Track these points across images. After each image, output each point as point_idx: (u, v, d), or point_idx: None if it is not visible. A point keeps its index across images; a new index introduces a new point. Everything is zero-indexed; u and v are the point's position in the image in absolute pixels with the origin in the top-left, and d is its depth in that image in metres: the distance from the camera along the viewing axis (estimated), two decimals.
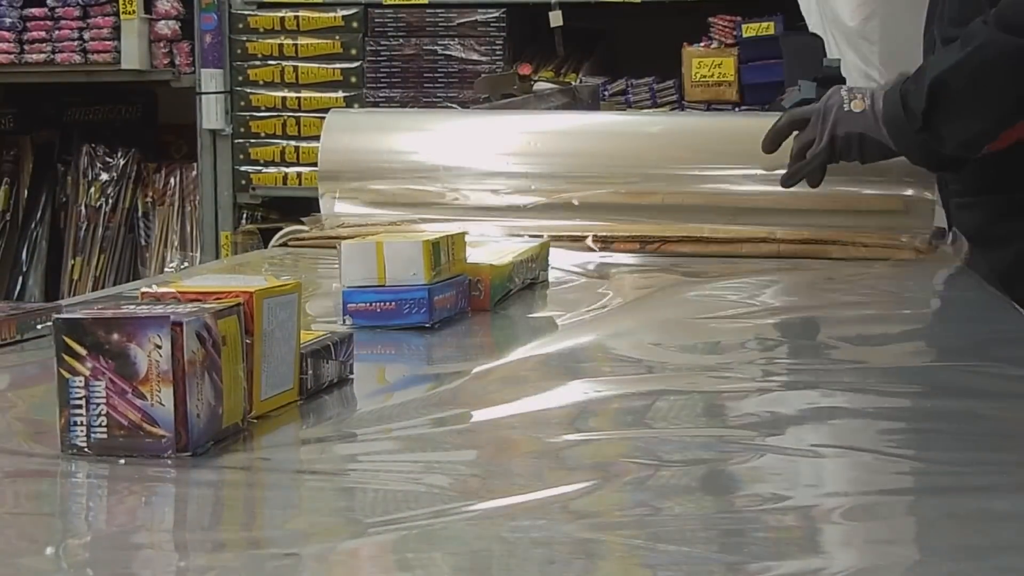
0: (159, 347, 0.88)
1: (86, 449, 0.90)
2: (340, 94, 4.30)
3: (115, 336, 0.89)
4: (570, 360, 1.28)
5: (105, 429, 0.89)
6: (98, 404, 0.89)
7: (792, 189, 2.07)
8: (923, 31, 2.11)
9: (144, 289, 1.02)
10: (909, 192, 2.09)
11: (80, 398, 0.89)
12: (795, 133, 1.98)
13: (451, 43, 4.23)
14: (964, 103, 1.84)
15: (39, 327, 1.32)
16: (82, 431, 0.89)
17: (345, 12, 4.30)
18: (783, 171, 2.07)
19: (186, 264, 4.48)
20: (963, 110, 1.84)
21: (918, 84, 1.86)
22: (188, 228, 4.55)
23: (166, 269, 4.45)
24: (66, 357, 0.89)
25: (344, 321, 1.39)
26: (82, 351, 0.89)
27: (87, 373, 0.89)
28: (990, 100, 1.84)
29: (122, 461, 0.89)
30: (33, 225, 4.72)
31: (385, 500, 0.85)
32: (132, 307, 0.93)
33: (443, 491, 0.88)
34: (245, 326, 0.97)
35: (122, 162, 4.63)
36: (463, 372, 1.24)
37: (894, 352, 1.39)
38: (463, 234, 1.50)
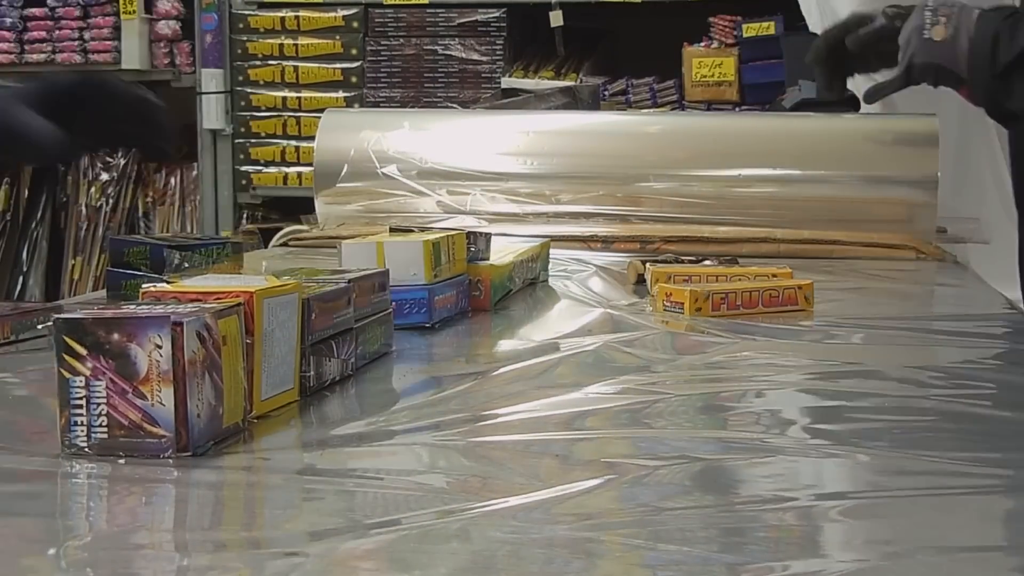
0: (159, 347, 0.88)
1: (86, 449, 0.90)
2: (340, 94, 4.30)
3: (115, 336, 0.89)
4: (570, 360, 1.28)
5: (105, 429, 0.89)
6: (98, 404, 0.89)
7: (792, 192, 2.07)
8: None
9: (145, 288, 1.02)
10: (911, 198, 2.09)
11: (80, 398, 0.89)
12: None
13: (451, 43, 4.23)
14: None
15: (38, 327, 1.32)
16: (82, 431, 0.89)
17: (345, 12, 4.30)
18: (787, 171, 2.08)
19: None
20: None
21: (1014, 36, 1.85)
22: (188, 228, 4.56)
23: None
24: (66, 357, 0.89)
25: None
26: (82, 351, 0.89)
27: (87, 373, 0.89)
28: None
29: (122, 461, 0.89)
30: (33, 225, 4.72)
31: (385, 500, 0.85)
32: (132, 307, 0.93)
33: (443, 492, 0.88)
34: (245, 326, 0.97)
35: (122, 162, 4.63)
36: (463, 372, 1.24)
37: (894, 352, 1.39)
38: (463, 234, 1.50)
